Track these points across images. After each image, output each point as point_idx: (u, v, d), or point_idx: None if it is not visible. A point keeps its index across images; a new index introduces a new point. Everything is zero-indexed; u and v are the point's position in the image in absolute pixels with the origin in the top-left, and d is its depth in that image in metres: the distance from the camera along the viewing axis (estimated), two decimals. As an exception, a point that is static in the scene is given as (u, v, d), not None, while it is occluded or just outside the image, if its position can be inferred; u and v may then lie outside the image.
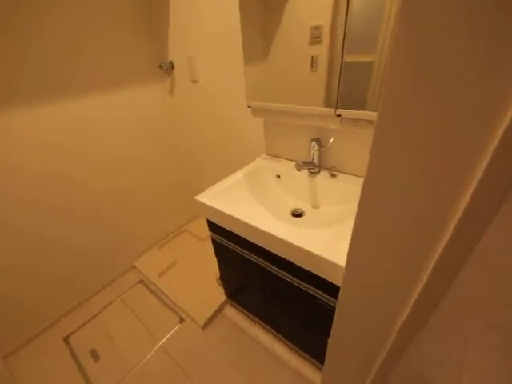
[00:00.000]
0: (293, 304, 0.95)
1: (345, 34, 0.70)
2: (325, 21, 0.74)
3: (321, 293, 0.78)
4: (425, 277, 0.34)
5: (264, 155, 1.21)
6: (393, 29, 0.65)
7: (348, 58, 0.74)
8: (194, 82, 1.32)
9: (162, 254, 1.75)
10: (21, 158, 1.09)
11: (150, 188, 1.64)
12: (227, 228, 0.93)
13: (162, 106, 1.52)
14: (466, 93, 0.23)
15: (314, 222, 0.91)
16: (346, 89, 0.78)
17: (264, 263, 0.91)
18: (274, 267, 0.88)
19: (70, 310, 1.46)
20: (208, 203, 0.91)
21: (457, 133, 0.25)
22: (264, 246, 0.83)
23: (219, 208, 0.88)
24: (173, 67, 1.38)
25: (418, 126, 0.27)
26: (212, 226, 1.02)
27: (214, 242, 1.11)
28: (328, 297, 0.76)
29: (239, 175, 1.04)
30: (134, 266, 1.70)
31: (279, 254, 0.79)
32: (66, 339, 1.33)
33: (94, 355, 1.25)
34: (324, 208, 0.96)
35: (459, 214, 0.28)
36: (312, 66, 0.82)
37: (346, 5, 0.67)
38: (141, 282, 1.61)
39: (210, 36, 1.11)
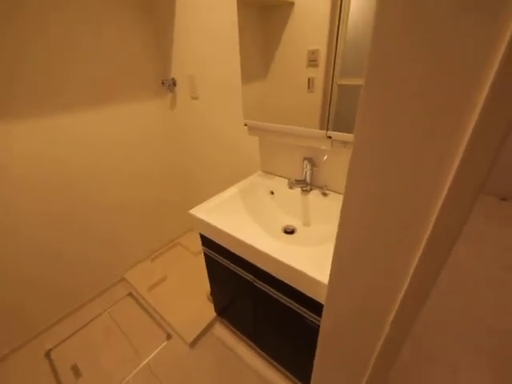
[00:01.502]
0: (281, 323, 0.93)
1: (335, 59, 0.74)
2: (321, 45, 0.77)
3: (308, 312, 0.76)
4: (401, 296, 0.35)
5: (259, 172, 1.23)
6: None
7: (343, 81, 0.77)
8: (195, 98, 1.36)
9: (153, 267, 1.72)
10: (20, 168, 1.10)
11: (146, 201, 1.64)
12: (219, 243, 0.92)
13: (163, 122, 1.56)
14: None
15: (304, 240, 0.91)
16: (339, 111, 0.81)
17: (255, 280, 0.90)
18: (264, 284, 0.87)
19: (55, 323, 1.41)
20: (202, 217, 0.91)
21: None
22: (255, 263, 0.82)
23: (212, 223, 0.88)
24: (175, 84, 1.43)
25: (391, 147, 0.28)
26: (205, 240, 1.02)
27: (206, 256, 1.10)
28: (315, 316, 0.75)
29: (234, 190, 1.05)
30: (124, 278, 1.67)
31: (269, 272, 0.79)
32: (47, 353, 1.28)
33: (76, 371, 1.20)
34: (315, 226, 0.97)
35: (435, 214, 0.29)
36: (309, 88, 0.85)
37: (340, 31, 0.71)
38: (130, 294, 1.58)
39: (211, 56, 1.16)
